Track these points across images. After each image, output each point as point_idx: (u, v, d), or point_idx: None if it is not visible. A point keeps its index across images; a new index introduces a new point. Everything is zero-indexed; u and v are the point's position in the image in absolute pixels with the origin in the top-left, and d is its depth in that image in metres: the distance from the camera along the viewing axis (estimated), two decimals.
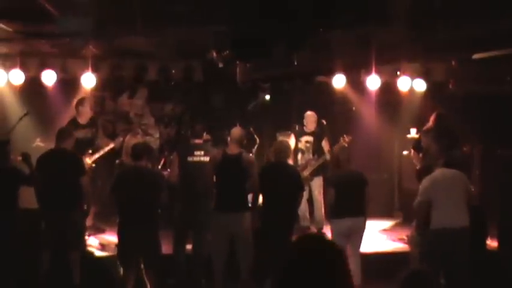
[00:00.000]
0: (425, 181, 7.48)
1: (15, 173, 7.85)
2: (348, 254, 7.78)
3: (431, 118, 9.42)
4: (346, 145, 9.38)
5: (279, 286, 2.62)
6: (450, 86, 10.80)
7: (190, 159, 8.20)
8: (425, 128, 9.54)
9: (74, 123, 9.53)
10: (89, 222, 9.34)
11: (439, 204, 7.26)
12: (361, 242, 8.02)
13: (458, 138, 9.03)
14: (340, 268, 2.62)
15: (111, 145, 9.79)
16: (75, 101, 9.92)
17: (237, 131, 8.02)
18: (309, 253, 2.62)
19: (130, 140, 9.75)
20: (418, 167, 9.30)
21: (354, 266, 7.77)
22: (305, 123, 10.29)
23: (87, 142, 9.63)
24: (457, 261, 7.19)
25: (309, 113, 10.31)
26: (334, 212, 8.01)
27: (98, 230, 9.68)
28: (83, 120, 9.69)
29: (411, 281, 3.56)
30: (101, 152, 9.68)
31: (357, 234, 7.90)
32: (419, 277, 3.60)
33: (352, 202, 7.85)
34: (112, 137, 10.48)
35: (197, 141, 8.36)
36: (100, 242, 9.26)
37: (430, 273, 3.56)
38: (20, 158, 7.91)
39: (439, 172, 7.45)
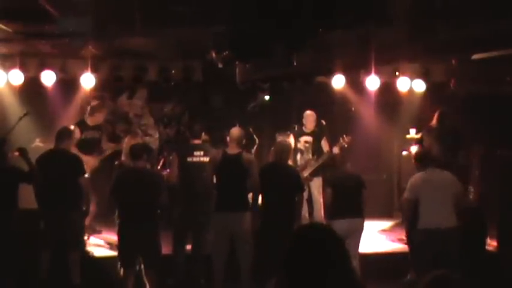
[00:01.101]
0: (414, 179, 7.53)
1: (14, 172, 7.83)
2: None
3: (435, 116, 9.41)
4: (345, 145, 9.38)
5: (284, 275, 2.74)
6: (451, 86, 10.79)
7: (189, 159, 8.20)
8: (428, 126, 9.54)
9: (82, 124, 9.62)
10: (86, 222, 9.35)
11: (425, 205, 7.33)
12: (359, 243, 8.03)
13: (462, 137, 9.02)
14: (339, 255, 2.74)
15: (116, 147, 9.93)
16: (91, 105, 9.95)
17: (236, 130, 8.02)
18: (309, 241, 2.75)
19: (130, 141, 9.77)
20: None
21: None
22: (304, 123, 10.28)
23: (94, 143, 9.72)
24: (446, 262, 7.20)
25: (308, 112, 10.29)
26: (331, 213, 8.01)
27: (94, 230, 9.68)
28: (92, 122, 9.76)
29: (436, 285, 3.52)
30: (107, 152, 9.83)
31: (355, 235, 7.91)
32: (444, 281, 3.55)
33: (349, 203, 7.88)
34: (111, 137, 10.50)
35: (196, 141, 8.36)
36: (102, 241, 9.30)
37: (455, 277, 3.51)
38: (16, 154, 7.90)
39: (428, 172, 7.48)
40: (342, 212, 7.81)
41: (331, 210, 8.02)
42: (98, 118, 9.86)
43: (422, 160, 7.74)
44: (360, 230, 7.98)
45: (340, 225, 7.74)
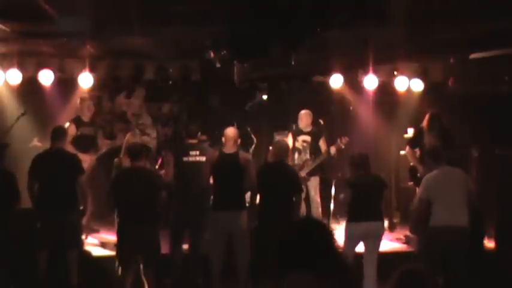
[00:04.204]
0: (426, 179, 7.46)
1: (11, 176, 7.86)
2: (364, 258, 7.64)
3: (425, 118, 9.37)
4: (342, 146, 9.37)
5: (278, 266, 2.99)
6: (449, 85, 10.78)
7: (185, 159, 8.17)
8: (419, 127, 9.50)
9: (78, 120, 9.72)
10: (83, 222, 9.34)
11: (439, 203, 7.25)
12: (379, 247, 7.79)
13: (453, 138, 8.99)
14: (329, 246, 2.99)
15: (112, 145, 9.98)
16: (77, 100, 9.99)
17: (231, 129, 8.02)
18: (300, 235, 3.00)
19: (130, 139, 9.80)
20: (411, 164, 9.27)
21: (371, 270, 7.59)
22: (298, 122, 10.24)
23: (90, 139, 9.80)
24: (454, 261, 7.18)
25: (302, 112, 10.26)
26: (351, 215, 7.74)
27: (91, 230, 9.68)
28: (86, 118, 9.85)
29: (405, 281, 3.55)
30: (103, 150, 9.93)
31: (375, 238, 7.69)
32: (414, 276, 3.58)
33: (369, 206, 7.64)
34: (108, 135, 10.52)
35: (192, 141, 8.32)
36: (100, 241, 9.29)
37: (424, 272, 3.55)
38: None
39: (440, 170, 7.42)
40: (361, 215, 7.60)
41: (350, 213, 7.74)
42: (88, 111, 9.98)
43: (435, 157, 7.62)
44: (379, 233, 7.73)
45: (357, 228, 7.57)
